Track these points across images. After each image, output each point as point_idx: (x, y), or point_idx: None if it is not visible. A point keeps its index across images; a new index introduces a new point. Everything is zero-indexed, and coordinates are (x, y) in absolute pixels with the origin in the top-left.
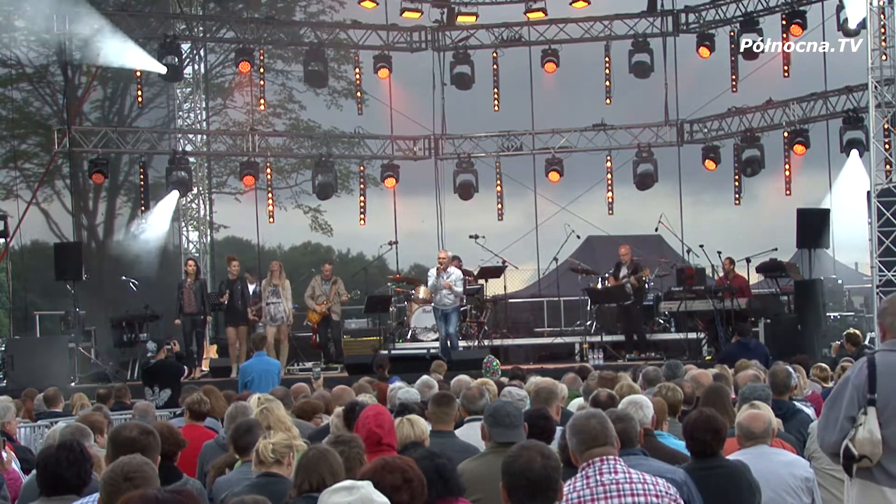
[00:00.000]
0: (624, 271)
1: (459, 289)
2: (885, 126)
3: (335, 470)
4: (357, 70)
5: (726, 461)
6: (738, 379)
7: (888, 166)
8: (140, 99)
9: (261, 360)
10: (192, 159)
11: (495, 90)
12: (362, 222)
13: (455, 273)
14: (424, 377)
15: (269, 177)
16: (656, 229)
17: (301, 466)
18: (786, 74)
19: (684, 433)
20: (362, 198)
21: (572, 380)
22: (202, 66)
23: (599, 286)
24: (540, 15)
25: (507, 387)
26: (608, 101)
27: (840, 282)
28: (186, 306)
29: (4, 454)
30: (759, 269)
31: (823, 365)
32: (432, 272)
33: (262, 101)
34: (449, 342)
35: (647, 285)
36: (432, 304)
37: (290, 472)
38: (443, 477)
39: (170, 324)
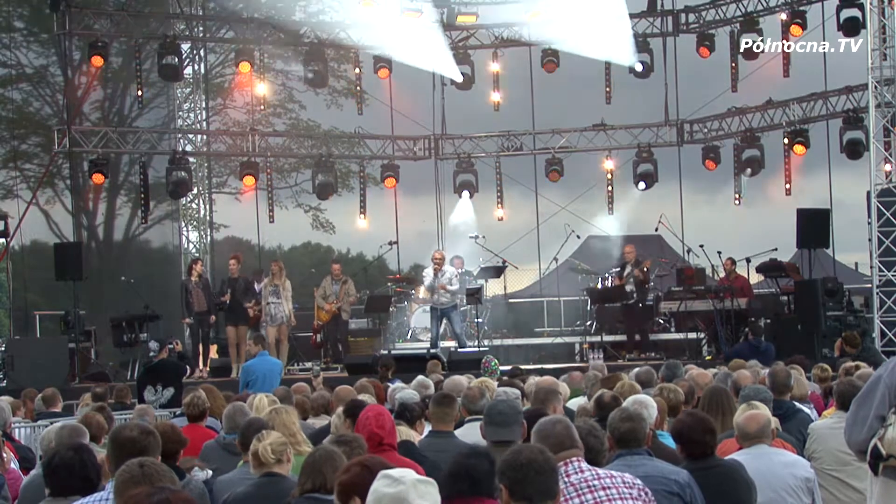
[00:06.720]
0: (628, 270)
1: (455, 287)
2: (885, 126)
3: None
4: (357, 66)
5: (721, 460)
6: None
7: (888, 166)
8: (140, 96)
9: (264, 360)
10: (192, 159)
11: (495, 90)
12: (363, 222)
13: (449, 271)
14: (420, 377)
15: (268, 177)
16: (656, 229)
17: (306, 466)
18: (786, 74)
19: (678, 436)
20: (362, 197)
21: (579, 378)
22: (202, 66)
23: (599, 286)
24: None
25: (499, 387)
26: (608, 96)
27: (840, 282)
28: (196, 305)
29: (4, 454)
30: (759, 269)
31: (824, 365)
32: (428, 272)
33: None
34: (458, 343)
35: (650, 278)
36: (431, 304)
37: (288, 469)
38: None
39: (170, 324)
